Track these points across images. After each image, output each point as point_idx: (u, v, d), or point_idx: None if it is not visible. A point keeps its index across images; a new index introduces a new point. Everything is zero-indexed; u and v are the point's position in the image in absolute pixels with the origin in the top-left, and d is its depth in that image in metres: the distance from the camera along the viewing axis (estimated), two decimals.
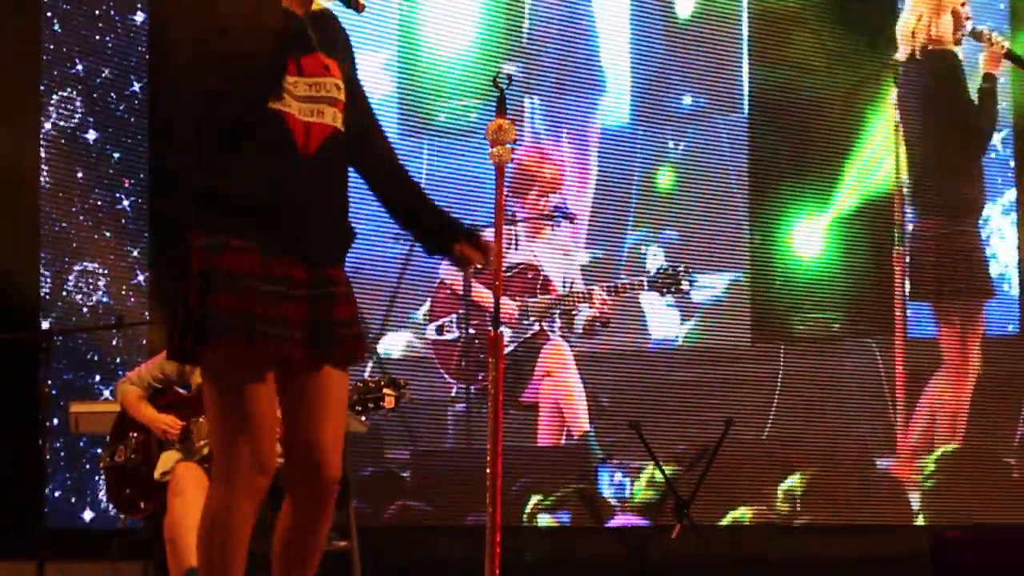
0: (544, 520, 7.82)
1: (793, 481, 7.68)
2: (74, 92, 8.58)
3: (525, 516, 7.75)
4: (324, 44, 4.01)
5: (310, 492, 4.01)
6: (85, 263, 8.54)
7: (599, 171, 8.07)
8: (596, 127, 8.13)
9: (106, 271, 8.56)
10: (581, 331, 7.92)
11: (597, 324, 7.89)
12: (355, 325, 4.02)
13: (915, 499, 7.63)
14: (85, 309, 8.49)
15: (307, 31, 3.96)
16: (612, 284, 7.92)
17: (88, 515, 8.39)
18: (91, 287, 8.54)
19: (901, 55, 7.85)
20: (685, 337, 7.96)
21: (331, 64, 4.00)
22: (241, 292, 3.84)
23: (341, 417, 4.05)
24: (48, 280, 8.46)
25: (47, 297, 8.43)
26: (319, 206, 3.95)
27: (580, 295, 7.93)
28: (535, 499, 7.79)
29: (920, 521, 7.58)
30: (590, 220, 8.06)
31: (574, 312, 7.92)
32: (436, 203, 4.21)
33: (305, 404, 4.00)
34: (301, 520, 4.03)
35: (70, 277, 8.52)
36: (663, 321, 7.96)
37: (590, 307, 7.89)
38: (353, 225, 4.09)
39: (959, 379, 7.66)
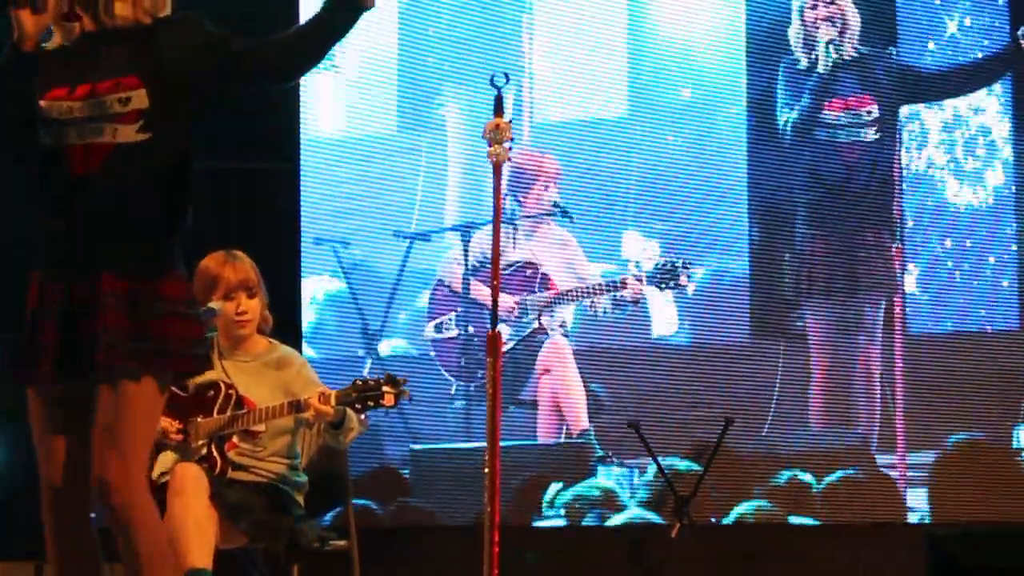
0: (543, 519, 7.80)
1: (792, 479, 7.67)
2: None
3: (524, 515, 7.74)
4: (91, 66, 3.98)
5: None
6: None
7: (596, 165, 8.05)
8: (593, 120, 8.11)
9: None
10: (612, 309, 7.88)
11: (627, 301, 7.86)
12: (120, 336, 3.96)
13: (912, 497, 7.62)
14: None
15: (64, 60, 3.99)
16: (611, 280, 7.91)
17: None
18: None
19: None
20: (684, 332, 7.95)
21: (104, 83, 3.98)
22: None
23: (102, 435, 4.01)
24: None
25: None
26: (87, 226, 3.98)
27: (581, 291, 7.92)
28: (535, 498, 7.78)
29: (917, 519, 7.57)
30: (587, 215, 8.03)
31: (592, 304, 7.89)
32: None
33: None
34: None
35: None
36: (661, 316, 7.94)
37: (620, 292, 7.86)
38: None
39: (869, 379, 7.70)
